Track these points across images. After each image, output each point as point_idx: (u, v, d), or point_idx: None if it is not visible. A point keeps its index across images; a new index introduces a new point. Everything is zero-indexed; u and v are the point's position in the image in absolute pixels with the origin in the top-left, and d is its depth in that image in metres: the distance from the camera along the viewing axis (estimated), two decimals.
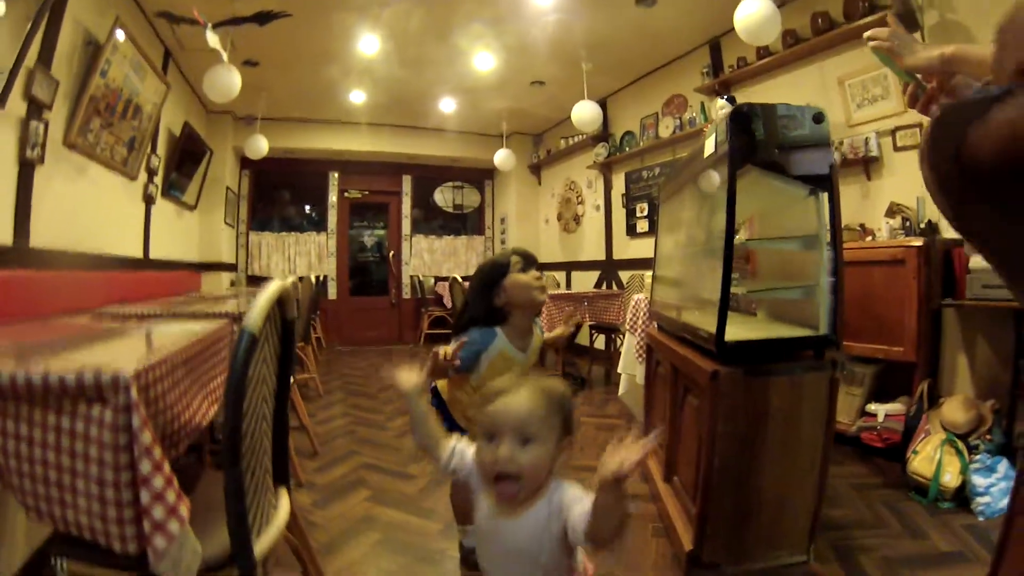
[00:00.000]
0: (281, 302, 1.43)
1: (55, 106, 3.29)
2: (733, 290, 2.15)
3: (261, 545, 1.31)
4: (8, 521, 1.95)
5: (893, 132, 3.77)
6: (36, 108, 3.12)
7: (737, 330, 2.11)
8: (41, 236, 3.22)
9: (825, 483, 2.09)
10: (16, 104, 2.97)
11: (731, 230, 1.91)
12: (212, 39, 4.02)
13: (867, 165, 3.92)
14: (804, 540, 2.12)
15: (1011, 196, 0.66)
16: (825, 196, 2.03)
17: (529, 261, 2.05)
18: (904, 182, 3.71)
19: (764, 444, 2.00)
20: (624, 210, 6.89)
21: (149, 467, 1.11)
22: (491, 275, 2.02)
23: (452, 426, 2.13)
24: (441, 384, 2.11)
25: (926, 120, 3.34)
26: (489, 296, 2.00)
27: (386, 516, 2.64)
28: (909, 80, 1.16)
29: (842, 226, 3.62)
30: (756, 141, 1.98)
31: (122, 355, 1.31)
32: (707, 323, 2.07)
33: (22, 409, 1.15)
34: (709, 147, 2.24)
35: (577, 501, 1.16)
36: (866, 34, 1.21)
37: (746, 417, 1.96)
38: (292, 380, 3.01)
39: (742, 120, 2.00)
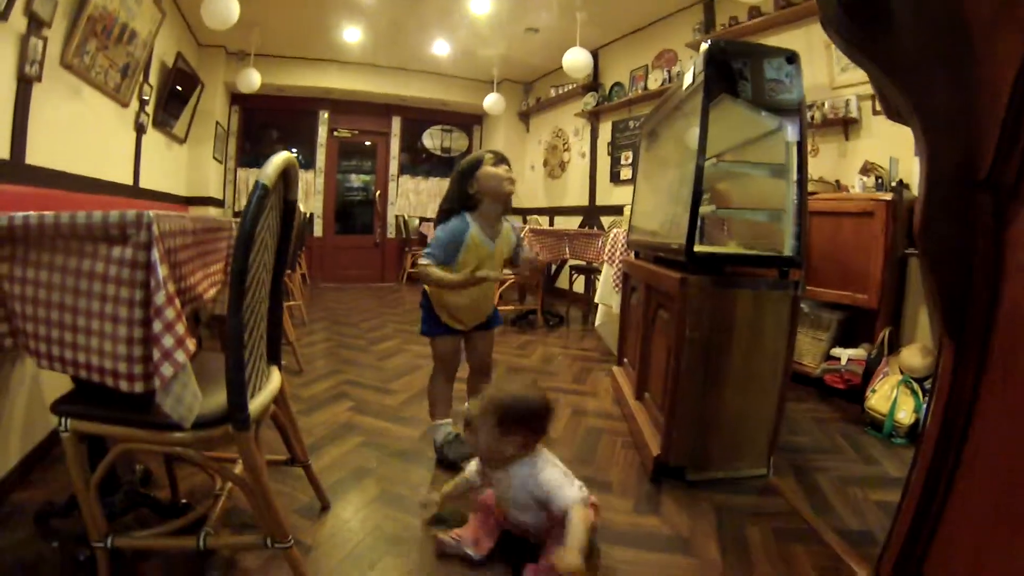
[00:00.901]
0: (287, 177, 1.52)
1: (54, 24, 3.30)
2: (703, 210, 2.28)
3: (254, 405, 1.40)
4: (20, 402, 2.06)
5: (872, 97, 3.89)
6: (36, 25, 3.13)
7: (708, 250, 2.25)
8: (36, 154, 3.26)
9: (784, 399, 2.24)
10: (17, 19, 2.98)
11: (703, 146, 2.05)
12: None
13: (846, 126, 4.07)
14: (764, 454, 2.29)
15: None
16: (794, 131, 2.15)
17: (501, 159, 2.25)
18: (880, 143, 3.85)
19: (728, 354, 2.15)
20: (609, 158, 7.02)
21: (163, 299, 1.20)
22: (467, 166, 2.25)
23: (437, 325, 2.35)
24: (429, 288, 2.31)
25: None
26: (464, 184, 2.22)
27: (367, 424, 2.77)
28: None
29: (818, 178, 3.78)
30: (731, 72, 2.12)
31: None
32: (679, 239, 2.21)
33: (43, 256, 1.24)
34: (688, 79, 2.37)
35: (554, 491, 1.62)
36: None
37: (712, 326, 2.11)
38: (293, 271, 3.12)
39: (718, 53, 2.13)
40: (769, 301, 2.14)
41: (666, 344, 2.32)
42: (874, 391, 3.00)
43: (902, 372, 3.03)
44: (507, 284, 5.43)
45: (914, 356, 3.06)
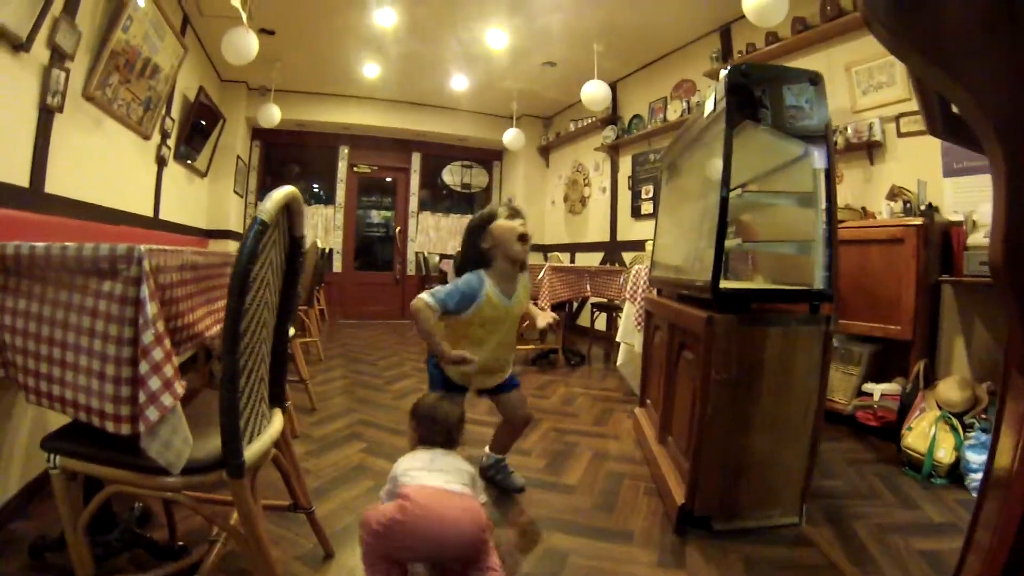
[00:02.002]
0: (290, 212, 1.46)
1: (77, 57, 3.34)
2: (728, 244, 2.18)
3: (251, 451, 1.33)
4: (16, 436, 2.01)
5: (897, 118, 3.81)
6: (59, 56, 3.16)
7: (734, 285, 2.14)
8: (56, 183, 3.27)
9: (818, 441, 2.11)
10: (40, 51, 3.01)
11: (727, 174, 1.95)
12: None
13: (870, 150, 3.96)
14: (796, 502, 2.15)
15: None
16: (821, 157, 2.05)
17: (515, 212, 2.18)
18: (906, 167, 3.74)
19: (757, 396, 2.03)
20: (630, 192, 6.93)
21: (151, 338, 1.14)
22: (480, 220, 2.18)
23: (445, 383, 2.27)
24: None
25: None
26: (476, 239, 2.16)
27: (379, 467, 2.66)
28: None
29: (844, 206, 3.68)
30: (754, 98, 2.03)
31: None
32: (703, 275, 2.11)
33: (34, 287, 1.20)
34: (709, 107, 2.29)
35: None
36: None
37: (740, 365, 1.99)
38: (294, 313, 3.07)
39: (740, 77, 2.05)
40: (800, 338, 2.02)
41: (691, 386, 2.21)
42: (910, 429, 2.86)
43: (940, 407, 2.90)
44: (526, 324, 5.35)
45: (952, 390, 2.92)
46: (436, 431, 1.88)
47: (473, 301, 2.09)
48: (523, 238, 2.14)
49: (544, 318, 2.35)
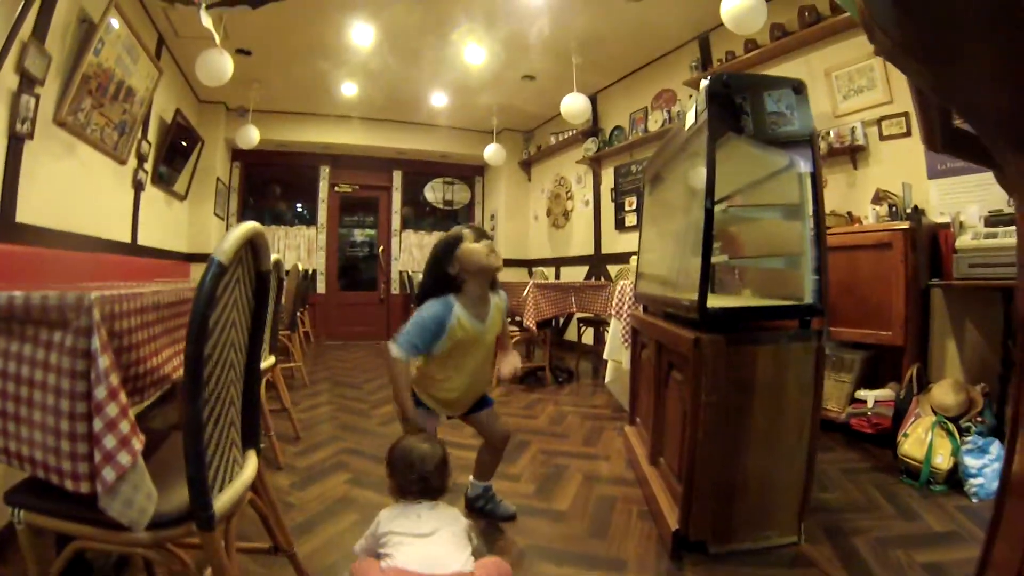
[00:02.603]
0: (255, 248, 1.39)
1: (47, 82, 3.29)
2: (715, 260, 2.12)
3: (222, 500, 1.27)
4: None
5: (879, 121, 3.81)
6: (28, 82, 3.12)
7: (722, 303, 2.08)
8: (28, 212, 3.22)
9: (814, 459, 2.06)
10: (8, 76, 2.97)
11: (711, 191, 1.89)
12: (205, 19, 3.98)
13: (853, 154, 3.95)
14: (794, 520, 2.09)
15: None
16: (806, 164, 2.00)
17: (482, 234, 2.10)
18: (890, 170, 3.73)
19: (749, 416, 1.97)
20: (613, 204, 6.89)
21: (104, 393, 1.07)
22: (445, 246, 2.09)
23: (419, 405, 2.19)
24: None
25: (911, 108, 3.29)
26: (443, 266, 2.07)
27: (365, 498, 2.58)
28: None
29: (829, 212, 3.65)
30: (736, 107, 1.97)
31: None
32: (690, 293, 2.04)
33: None
34: (689, 119, 2.22)
35: None
36: None
37: (730, 387, 1.93)
38: (267, 355, 2.99)
39: (720, 88, 1.98)
40: (791, 355, 1.96)
41: (680, 406, 2.15)
42: (906, 435, 2.81)
43: (935, 412, 2.86)
44: (515, 339, 5.27)
45: (946, 394, 2.89)
46: (412, 480, 1.73)
47: (443, 332, 2.02)
48: (494, 255, 2.08)
49: (509, 365, 2.24)
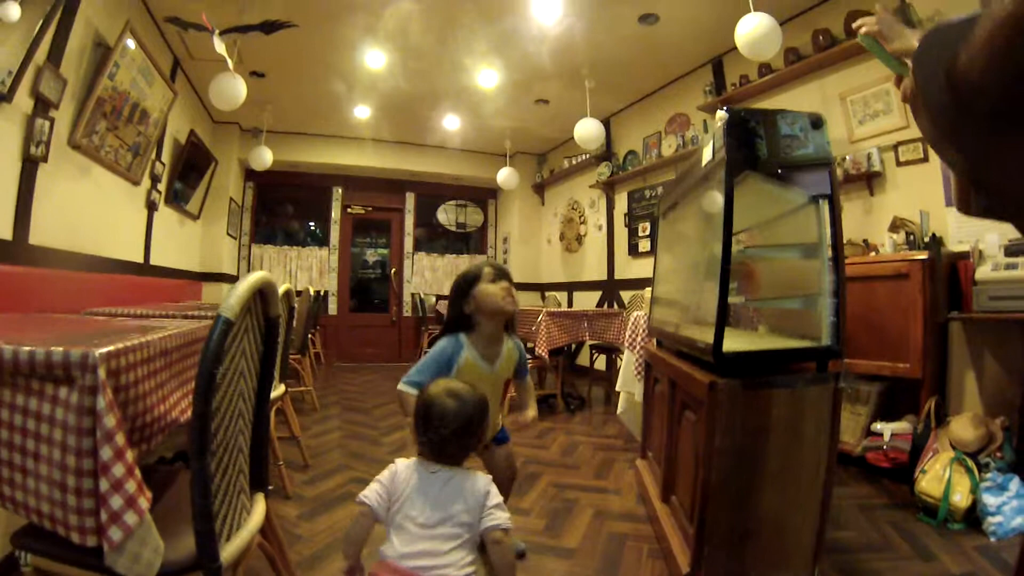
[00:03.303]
0: (263, 295, 1.38)
1: (62, 105, 3.35)
2: (731, 300, 2.08)
3: (230, 549, 1.25)
4: None
5: (895, 147, 3.77)
6: (43, 106, 3.18)
7: (737, 343, 2.03)
8: (41, 234, 3.27)
9: (829, 501, 2.00)
10: (23, 100, 3.02)
11: (728, 236, 1.85)
12: (219, 45, 4.03)
13: (870, 180, 3.90)
14: (808, 563, 2.02)
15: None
16: (825, 202, 1.97)
17: (501, 274, 2.07)
18: (907, 197, 3.69)
19: (764, 460, 1.92)
20: (626, 229, 6.86)
21: (110, 453, 1.06)
22: (463, 284, 2.07)
23: None
24: None
25: None
26: (460, 303, 2.05)
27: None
28: (898, 69, 1.08)
29: (845, 241, 3.61)
30: (754, 146, 1.93)
31: (97, 339, 1.28)
32: (705, 335, 2.00)
33: None
34: (707, 155, 2.19)
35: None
36: (855, 23, 1.14)
37: (745, 431, 1.88)
38: (276, 385, 2.98)
39: (739, 125, 1.95)
40: (808, 398, 1.92)
41: (693, 448, 2.10)
42: (924, 472, 2.75)
43: (953, 447, 2.80)
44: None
45: (965, 428, 2.84)
46: (426, 439, 1.52)
47: (450, 369, 1.98)
48: (510, 300, 2.04)
49: (524, 417, 2.14)
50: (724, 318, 1.86)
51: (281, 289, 2.89)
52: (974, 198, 0.95)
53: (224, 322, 1.10)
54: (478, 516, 1.46)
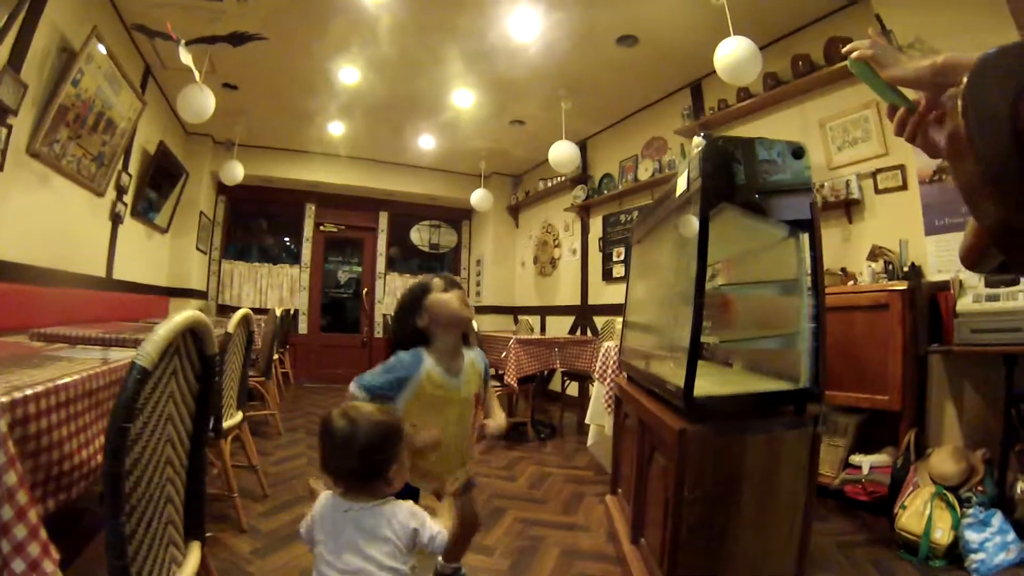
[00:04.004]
0: (196, 335, 1.26)
1: (21, 112, 3.23)
2: (705, 339, 1.98)
3: None
4: None
5: (874, 174, 3.74)
6: (0, 113, 3.06)
7: (710, 383, 1.93)
8: None
9: (807, 549, 1.92)
10: None
11: (702, 274, 1.75)
12: (184, 56, 3.89)
13: (848, 208, 3.86)
14: None
15: None
16: (806, 237, 1.89)
17: (452, 283, 1.92)
18: (886, 225, 3.65)
19: (738, 506, 1.82)
20: (601, 254, 6.76)
21: (11, 514, 0.95)
22: (412, 296, 1.91)
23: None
24: None
25: (920, 162, 3.16)
26: (410, 318, 1.88)
27: None
28: (893, 99, 0.99)
29: (825, 270, 3.56)
30: (731, 177, 1.83)
31: (13, 381, 1.15)
32: (676, 376, 1.90)
33: None
34: (681, 185, 2.09)
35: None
36: (845, 48, 1.05)
37: (717, 480, 1.79)
38: (233, 413, 2.85)
39: (716, 155, 1.85)
40: (784, 444, 1.83)
41: (663, 493, 1.99)
42: (904, 508, 2.69)
43: (934, 481, 2.74)
44: (497, 393, 5.07)
45: (945, 462, 2.78)
46: (333, 468, 1.37)
47: (407, 380, 1.80)
48: (465, 305, 1.89)
49: (495, 423, 2.02)
50: (696, 360, 1.75)
51: (239, 314, 2.80)
52: (989, 255, 0.86)
53: (139, 371, 0.98)
54: (409, 553, 1.35)
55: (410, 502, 1.42)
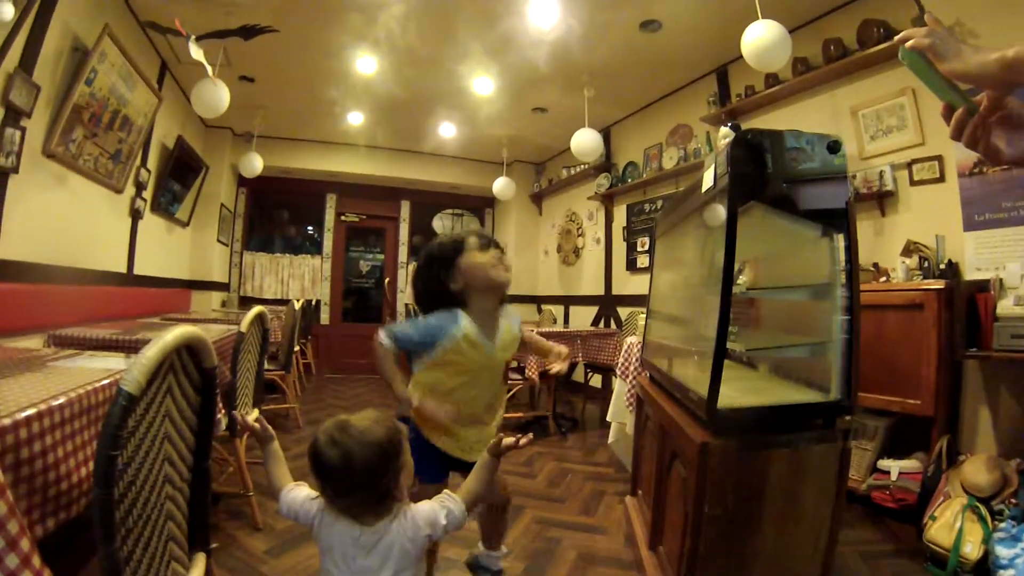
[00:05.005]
0: (193, 350, 1.21)
1: (35, 113, 3.22)
2: (731, 345, 1.87)
3: None
4: None
5: (909, 165, 3.57)
6: (13, 114, 3.05)
7: (734, 390, 1.82)
8: (10, 247, 3.14)
9: (831, 568, 1.82)
10: None
11: (729, 278, 1.65)
12: (195, 52, 3.85)
13: (881, 200, 3.70)
14: None
15: None
16: (840, 238, 1.78)
17: (488, 241, 1.79)
18: (921, 219, 3.49)
19: (758, 527, 1.74)
20: (625, 244, 6.65)
21: (2, 543, 0.91)
22: (443, 255, 1.78)
23: (428, 460, 1.82)
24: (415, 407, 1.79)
25: (959, 153, 2.99)
26: (441, 279, 1.76)
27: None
28: (951, 98, 0.88)
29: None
30: (761, 173, 1.71)
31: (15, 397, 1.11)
32: (698, 383, 1.81)
33: None
34: (708, 180, 1.97)
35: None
36: (899, 36, 0.93)
37: (738, 496, 1.70)
38: (250, 410, 2.83)
39: (746, 149, 1.73)
40: (811, 459, 1.73)
41: (682, 505, 1.91)
42: (934, 518, 2.57)
43: (966, 491, 2.61)
44: (515, 391, 5.00)
45: (979, 471, 2.64)
46: (336, 494, 1.25)
47: (442, 335, 1.69)
48: (504, 267, 1.77)
49: (556, 359, 1.91)
50: (720, 369, 1.65)
51: (252, 312, 2.76)
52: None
53: (126, 397, 0.92)
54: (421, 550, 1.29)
55: (424, 503, 1.33)
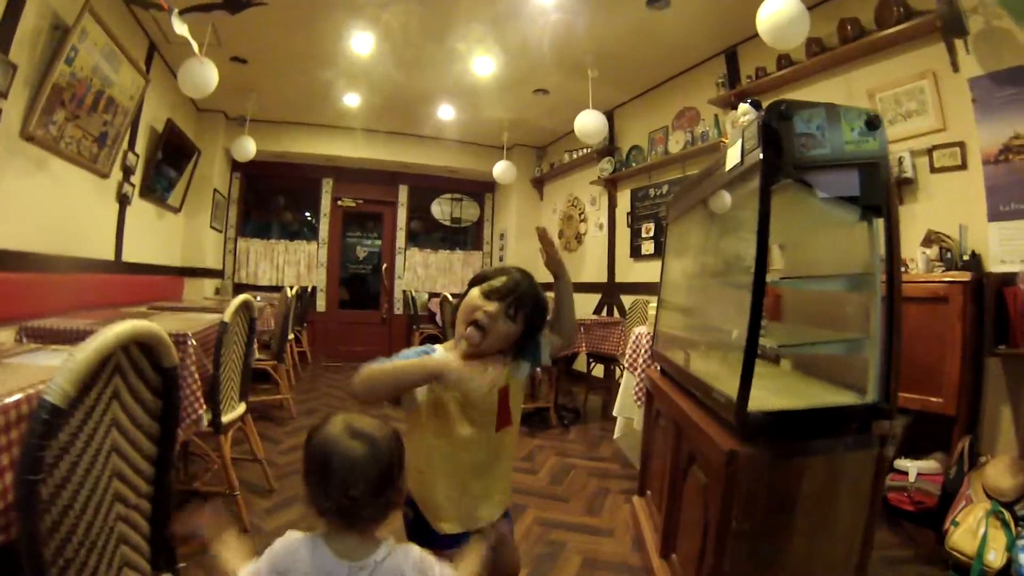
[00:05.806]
0: (146, 348, 1.04)
1: (11, 94, 3.08)
2: (761, 341, 1.68)
3: None
4: None
5: (930, 151, 3.39)
6: None
7: (761, 389, 1.61)
8: None
9: None
10: None
11: (762, 267, 1.46)
12: (179, 26, 3.62)
13: (900, 188, 3.51)
14: None
15: None
16: (879, 223, 1.61)
17: (498, 293, 1.52)
18: (942, 207, 3.32)
19: (788, 539, 1.58)
20: (628, 230, 6.48)
21: None
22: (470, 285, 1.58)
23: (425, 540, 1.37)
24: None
25: (984, 139, 2.79)
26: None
27: None
28: None
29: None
30: (797, 149, 1.51)
31: None
32: (723, 382, 1.65)
33: None
34: (733, 157, 1.78)
35: None
36: None
37: (767, 506, 1.54)
38: (236, 405, 2.68)
39: (779, 120, 1.52)
40: (845, 466, 1.57)
41: (702, 515, 1.74)
42: (956, 524, 2.42)
43: (988, 496, 2.47)
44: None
45: (1003, 475, 2.49)
46: (336, 503, 1.01)
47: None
48: (475, 323, 1.47)
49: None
50: (751, 369, 1.47)
51: (236, 301, 2.60)
52: None
53: (49, 410, 0.75)
54: None
55: (416, 548, 1.10)
